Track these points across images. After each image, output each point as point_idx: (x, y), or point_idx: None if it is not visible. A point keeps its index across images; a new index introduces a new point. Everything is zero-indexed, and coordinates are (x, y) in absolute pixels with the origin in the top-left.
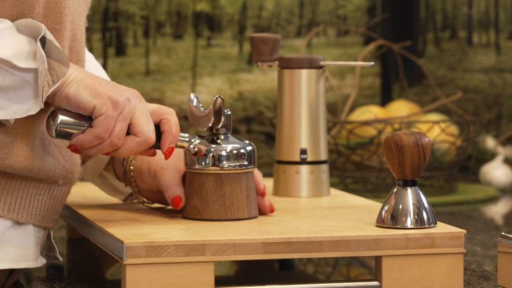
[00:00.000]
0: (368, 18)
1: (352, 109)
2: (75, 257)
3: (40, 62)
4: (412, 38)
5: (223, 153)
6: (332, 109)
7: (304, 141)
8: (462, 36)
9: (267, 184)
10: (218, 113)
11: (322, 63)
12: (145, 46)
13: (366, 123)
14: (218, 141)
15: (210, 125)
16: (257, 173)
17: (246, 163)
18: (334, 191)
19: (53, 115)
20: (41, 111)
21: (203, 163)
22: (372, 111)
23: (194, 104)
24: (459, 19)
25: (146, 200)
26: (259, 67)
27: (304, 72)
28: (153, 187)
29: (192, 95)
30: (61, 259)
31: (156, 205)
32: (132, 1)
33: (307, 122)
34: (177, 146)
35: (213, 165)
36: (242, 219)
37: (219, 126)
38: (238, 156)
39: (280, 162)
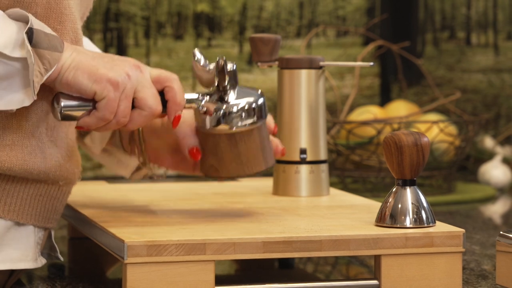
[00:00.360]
0: (367, 18)
1: (352, 109)
2: (76, 256)
3: (28, 56)
4: (411, 38)
5: (234, 110)
6: (332, 109)
7: (303, 141)
8: (461, 37)
9: (267, 184)
10: (221, 73)
11: (321, 63)
12: (146, 46)
13: (365, 123)
14: (226, 98)
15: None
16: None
17: (257, 118)
18: (333, 191)
19: (57, 99)
20: (40, 110)
21: (215, 123)
22: (371, 111)
23: (202, 63)
24: (457, 20)
25: (153, 166)
26: (259, 67)
27: (303, 73)
28: (164, 141)
29: (197, 52)
30: (62, 259)
31: (161, 183)
32: (133, 2)
33: (307, 122)
34: (185, 108)
35: (225, 124)
36: (260, 171)
37: (225, 84)
38: (249, 112)
39: (280, 162)
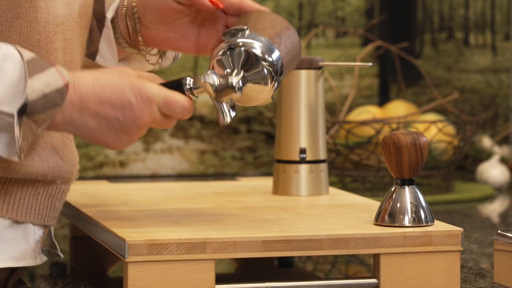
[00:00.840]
0: (366, 19)
1: (351, 109)
2: (77, 255)
3: (15, 131)
4: (409, 39)
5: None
6: (331, 109)
7: (303, 141)
8: (459, 37)
9: (267, 183)
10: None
11: (321, 63)
12: None
13: (364, 123)
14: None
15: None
16: None
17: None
18: (333, 190)
19: None
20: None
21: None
22: (370, 111)
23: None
24: (455, 21)
25: (148, 49)
26: None
27: (303, 73)
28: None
29: (211, 77)
30: (62, 256)
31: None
32: None
33: (306, 122)
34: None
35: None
36: None
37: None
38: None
39: (280, 161)
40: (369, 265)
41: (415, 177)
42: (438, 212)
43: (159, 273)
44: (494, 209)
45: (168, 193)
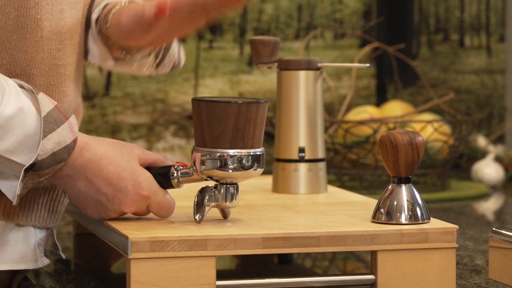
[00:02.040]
0: (363, 21)
1: (349, 109)
2: (81, 252)
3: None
4: (406, 40)
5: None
6: (329, 109)
7: (302, 140)
8: (454, 39)
9: (267, 181)
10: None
11: (319, 64)
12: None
13: (362, 122)
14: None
15: None
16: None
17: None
18: (331, 188)
19: None
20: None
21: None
22: (367, 111)
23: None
24: (451, 23)
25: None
26: (259, 69)
27: (302, 74)
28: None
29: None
30: (64, 256)
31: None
32: None
33: (305, 122)
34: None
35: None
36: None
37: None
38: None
39: (279, 160)
40: (366, 261)
41: (412, 176)
42: (434, 209)
43: (161, 269)
44: (489, 206)
45: (170, 191)
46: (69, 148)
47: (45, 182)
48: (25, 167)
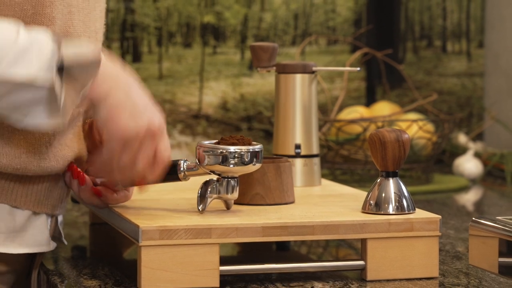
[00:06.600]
0: (354, 29)
1: (341, 109)
2: (96, 239)
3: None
4: (393, 46)
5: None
6: (323, 109)
7: (298, 137)
8: (438, 45)
9: None
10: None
11: (314, 68)
12: (158, 53)
13: (353, 121)
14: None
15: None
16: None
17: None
18: (324, 181)
19: None
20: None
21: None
22: (358, 111)
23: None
24: (434, 30)
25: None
26: (259, 72)
27: (298, 77)
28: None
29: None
30: (66, 242)
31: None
32: (146, 14)
33: (301, 121)
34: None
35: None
36: (290, 203)
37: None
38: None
39: (277, 156)
40: (357, 248)
41: (398, 170)
42: (419, 201)
43: (169, 255)
44: (469, 198)
45: (177, 185)
46: (93, 52)
47: (88, 96)
48: (56, 66)
